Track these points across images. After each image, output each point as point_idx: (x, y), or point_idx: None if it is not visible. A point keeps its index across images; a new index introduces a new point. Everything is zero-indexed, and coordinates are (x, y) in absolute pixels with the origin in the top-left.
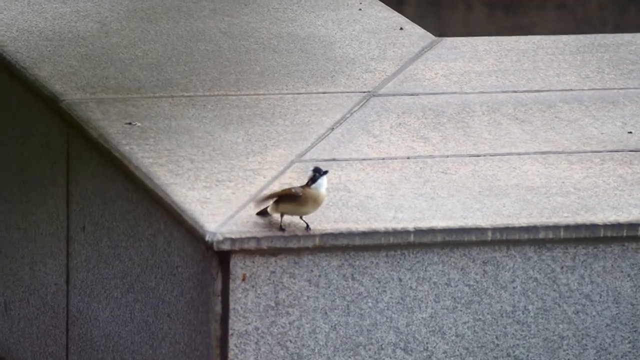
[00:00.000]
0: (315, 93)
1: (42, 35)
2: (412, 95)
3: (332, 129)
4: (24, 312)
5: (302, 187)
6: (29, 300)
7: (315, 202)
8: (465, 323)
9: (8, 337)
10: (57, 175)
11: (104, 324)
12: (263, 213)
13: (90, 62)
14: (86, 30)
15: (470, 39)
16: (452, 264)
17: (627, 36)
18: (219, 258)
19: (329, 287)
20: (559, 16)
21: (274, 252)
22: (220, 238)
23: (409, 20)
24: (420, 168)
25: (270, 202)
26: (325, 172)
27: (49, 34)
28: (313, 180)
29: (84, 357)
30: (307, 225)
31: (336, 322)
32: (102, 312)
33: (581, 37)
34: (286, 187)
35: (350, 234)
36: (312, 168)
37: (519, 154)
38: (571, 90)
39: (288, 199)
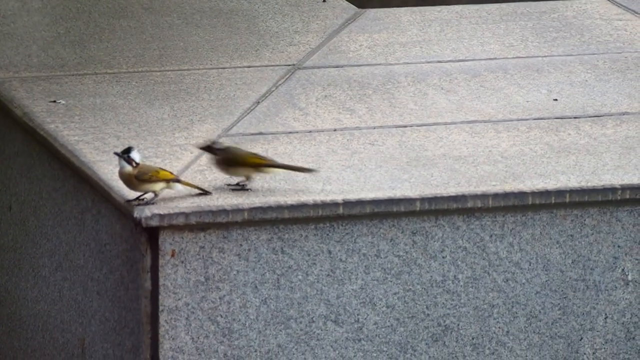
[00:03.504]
0: (240, 67)
1: None
2: (337, 67)
3: (258, 102)
4: None
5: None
6: None
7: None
8: (395, 294)
9: None
10: None
11: (33, 304)
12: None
13: (12, 40)
14: (7, 8)
15: (393, 9)
16: (382, 235)
17: (550, 4)
18: (147, 234)
19: (259, 261)
20: None
21: (202, 227)
22: (149, 214)
23: None
24: (347, 140)
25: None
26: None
27: None
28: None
29: (13, 337)
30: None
31: (266, 296)
32: (31, 291)
33: (504, 5)
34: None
35: (279, 207)
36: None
37: (445, 123)
38: (495, 59)
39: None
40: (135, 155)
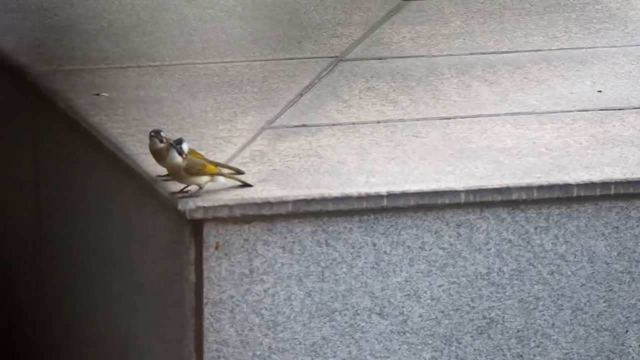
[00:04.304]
0: (283, 59)
1: (5, 7)
2: (380, 59)
3: (301, 95)
4: None
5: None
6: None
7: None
8: (440, 286)
9: None
10: (25, 148)
11: (80, 296)
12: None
13: (55, 33)
14: (50, 1)
15: (436, 1)
16: (426, 227)
17: None
18: (191, 227)
19: (303, 253)
20: None
21: (247, 219)
22: (193, 206)
23: None
24: (391, 132)
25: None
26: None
27: (12, 6)
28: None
29: (69, 329)
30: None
31: (311, 288)
32: (77, 285)
33: None
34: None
35: (323, 200)
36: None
37: (489, 115)
38: (539, 50)
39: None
40: (185, 147)
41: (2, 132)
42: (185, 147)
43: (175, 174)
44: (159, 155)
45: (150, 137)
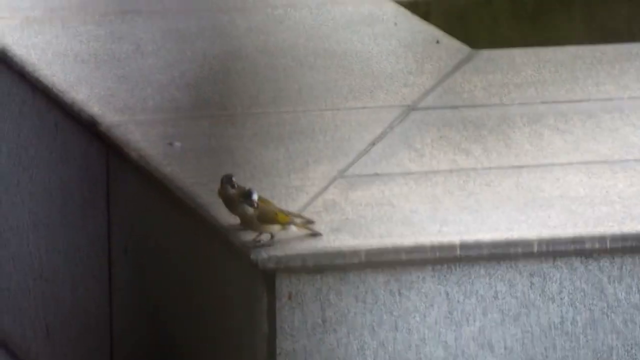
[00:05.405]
0: (355, 108)
1: (77, 58)
2: (451, 108)
3: (373, 143)
4: (66, 335)
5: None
6: (71, 323)
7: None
8: (513, 336)
9: None
10: (97, 197)
11: (154, 347)
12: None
13: (127, 83)
14: (122, 52)
15: (507, 50)
16: (499, 276)
17: None
18: (264, 276)
19: (376, 303)
20: (587, 29)
21: (319, 269)
22: (266, 256)
23: (445, 34)
24: (464, 181)
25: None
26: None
27: (84, 57)
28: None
29: None
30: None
31: (384, 338)
32: (147, 333)
33: (619, 46)
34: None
35: (396, 249)
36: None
37: (561, 164)
38: (611, 99)
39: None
40: (255, 197)
41: (77, 182)
42: (255, 196)
43: (247, 223)
44: (231, 202)
45: (222, 183)
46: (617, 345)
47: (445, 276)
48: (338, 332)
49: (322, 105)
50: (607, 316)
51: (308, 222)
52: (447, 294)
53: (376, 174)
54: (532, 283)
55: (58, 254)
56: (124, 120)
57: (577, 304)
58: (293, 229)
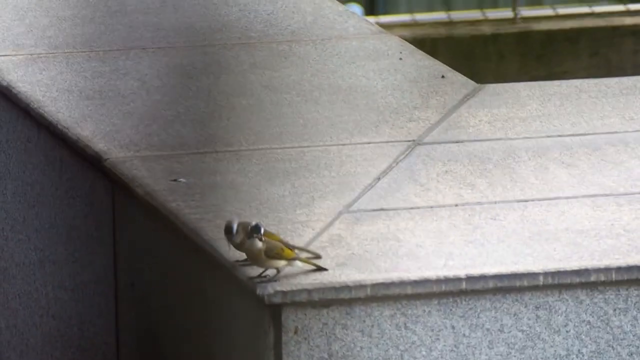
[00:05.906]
0: (360, 143)
1: (82, 94)
2: (457, 142)
3: (379, 178)
4: None
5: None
6: None
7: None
8: None
9: None
10: (103, 233)
11: None
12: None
13: (132, 119)
14: (127, 88)
15: (512, 84)
16: (505, 309)
17: None
18: (270, 311)
19: (382, 337)
20: (592, 64)
21: (325, 303)
22: (272, 291)
23: (450, 69)
24: (469, 215)
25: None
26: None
27: (89, 93)
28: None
29: None
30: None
31: None
32: None
33: (624, 79)
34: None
35: (402, 283)
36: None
37: (567, 197)
38: (616, 132)
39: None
40: (262, 232)
41: (82, 219)
42: (262, 231)
43: (254, 258)
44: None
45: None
46: None
47: (451, 309)
48: None
49: (327, 141)
50: (613, 348)
51: (314, 257)
52: (453, 328)
53: (382, 209)
54: (537, 316)
55: (64, 290)
56: (130, 156)
57: (583, 336)
58: (298, 264)
